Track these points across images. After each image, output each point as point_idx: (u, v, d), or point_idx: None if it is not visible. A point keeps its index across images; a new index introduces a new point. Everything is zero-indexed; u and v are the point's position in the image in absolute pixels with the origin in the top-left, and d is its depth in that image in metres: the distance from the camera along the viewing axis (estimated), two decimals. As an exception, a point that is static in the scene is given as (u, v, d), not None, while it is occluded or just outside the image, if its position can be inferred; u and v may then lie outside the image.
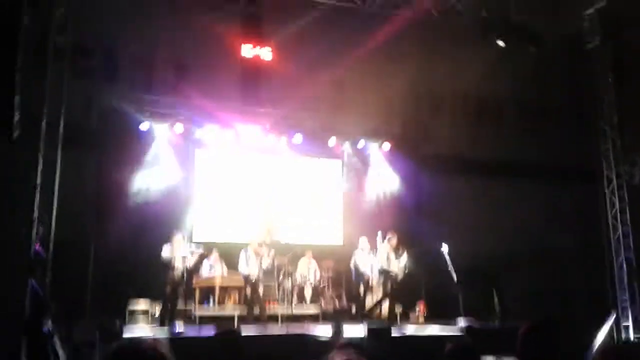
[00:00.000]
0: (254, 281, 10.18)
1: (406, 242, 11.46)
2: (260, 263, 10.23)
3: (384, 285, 10.72)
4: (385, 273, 10.55)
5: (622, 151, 11.70)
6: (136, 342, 1.61)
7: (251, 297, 10.18)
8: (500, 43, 10.68)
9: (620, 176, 11.66)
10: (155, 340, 1.68)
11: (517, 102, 14.21)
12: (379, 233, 10.87)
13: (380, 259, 10.60)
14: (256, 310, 10.07)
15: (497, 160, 13.34)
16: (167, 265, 9.43)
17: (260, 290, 10.34)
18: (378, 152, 12.97)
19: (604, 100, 11.86)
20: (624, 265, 11.43)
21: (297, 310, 10.63)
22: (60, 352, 7.31)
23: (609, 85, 11.83)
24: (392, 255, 10.61)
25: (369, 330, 7.70)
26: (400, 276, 10.57)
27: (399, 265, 10.59)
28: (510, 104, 14.23)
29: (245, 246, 10.51)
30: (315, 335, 8.48)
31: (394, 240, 10.60)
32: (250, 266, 10.19)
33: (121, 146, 10.60)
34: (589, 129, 12.35)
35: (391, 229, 11.16)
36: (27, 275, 7.67)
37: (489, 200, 12.86)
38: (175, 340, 7.75)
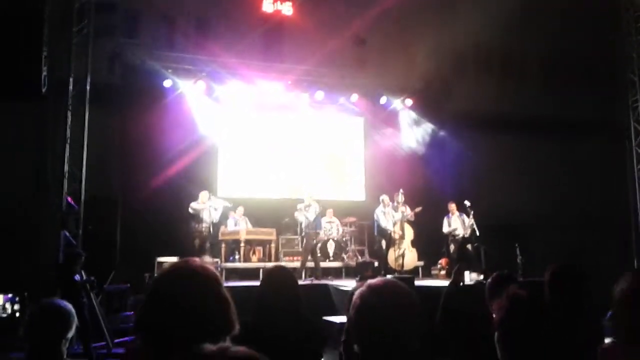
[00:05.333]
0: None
1: (428, 199, 11.58)
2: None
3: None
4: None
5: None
6: (187, 261, 1.65)
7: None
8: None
9: (647, 129, 11.47)
10: (202, 259, 1.74)
11: (542, 56, 13.93)
12: (400, 191, 10.88)
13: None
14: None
15: (522, 116, 13.14)
16: (194, 219, 9.64)
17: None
18: (400, 108, 12.90)
19: (633, 51, 11.57)
20: (649, 220, 11.35)
21: (321, 265, 10.81)
22: (93, 300, 7.59)
23: (639, 35, 11.51)
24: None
25: (393, 280, 7.83)
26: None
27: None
28: (535, 58, 13.95)
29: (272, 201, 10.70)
30: (339, 286, 8.68)
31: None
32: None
33: (145, 103, 10.67)
34: (617, 82, 12.09)
35: (412, 185, 11.26)
36: (60, 226, 7.95)
37: (514, 157, 12.76)
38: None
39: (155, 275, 1.99)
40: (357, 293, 1.83)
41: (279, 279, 2.99)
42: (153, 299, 1.53)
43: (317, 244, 10.54)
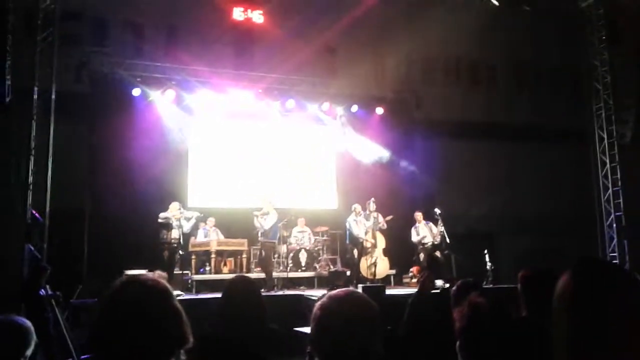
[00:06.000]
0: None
1: (400, 206, 11.66)
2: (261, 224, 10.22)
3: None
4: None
5: (614, 110, 11.74)
6: (137, 276, 1.66)
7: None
8: (494, 1, 10.64)
9: (611, 136, 11.73)
10: (154, 273, 1.73)
11: (509, 64, 14.18)
12: (372, 200, 10.89)
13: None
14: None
15: (490, 123, 13.35)
16: (164, 229, 9.49)
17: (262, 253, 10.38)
18: (371, 116, 12.97)
19: (596, 60, 11.87)
20: (614, 225, 11.58)
21: (293, 274, 10.77)
22: (59, 315, 7.42)
23: (602, 44, 11.82)
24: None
25: (364, 289, 7.85)
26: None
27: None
28: (502, 66, 14.19)
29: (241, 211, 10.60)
30: (311, 296, 8.63)
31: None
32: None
33: (114, 112, 10.53)
34: (582, 89, 12.38)
35: (384, 194, 11.31)
36: (24, 239, 7.75)
37: (483, 163, 12.94)
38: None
39: (106, 291, 1.98)
40: (317, 304, 1.81)
41: (241, 289, 2.95)
42: (103, 315, 1.51)
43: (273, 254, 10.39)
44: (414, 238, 10.90)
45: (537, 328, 3.01)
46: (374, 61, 12.90)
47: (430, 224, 10.76)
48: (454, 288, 3.51)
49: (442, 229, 10.42)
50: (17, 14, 9.04)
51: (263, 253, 10.13)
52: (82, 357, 7.14)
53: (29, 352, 2.64)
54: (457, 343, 1.95)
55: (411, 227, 10.99)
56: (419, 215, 10.92)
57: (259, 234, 10.14)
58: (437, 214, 10.47)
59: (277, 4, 11.70)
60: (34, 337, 2.68)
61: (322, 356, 1.73)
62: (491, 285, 9.89)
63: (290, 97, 12.05)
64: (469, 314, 1.91)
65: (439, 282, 9.45)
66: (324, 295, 1.88)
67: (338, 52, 12.95)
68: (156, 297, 1.53)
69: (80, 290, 8.99)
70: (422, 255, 10.78)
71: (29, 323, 2.70)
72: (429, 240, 10.73)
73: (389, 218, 10.87)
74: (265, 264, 10.08)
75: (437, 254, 10.58)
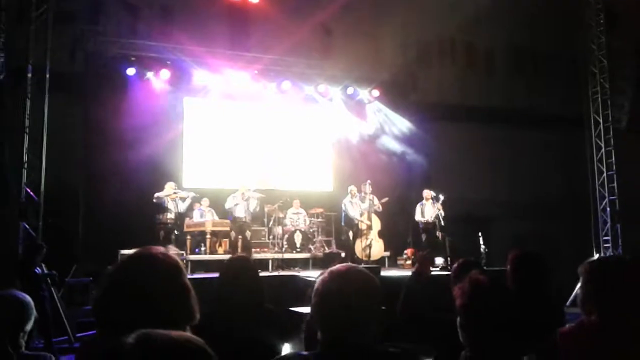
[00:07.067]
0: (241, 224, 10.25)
1: (395, 189, 11.67)
2: (247, 207, 10.29)
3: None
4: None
5: (610, 95, 11.74)
6: (147, 250, 1.62)
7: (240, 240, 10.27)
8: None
9: (607, 120, 11.74)
10: (167, 248, 1.70)
11: (506, 48, 14.13)
12: (367, 182, 10.90)
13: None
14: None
15: (486, 107, 13.34)
16: (159, 210, 9.49)
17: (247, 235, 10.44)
18: (367, 98, 12.94)
19: (593, 44, 11.84)
20: (608, 209, 11.65)
21: (288, 256, 10.80)
22: (54, 294, 7.43)
23: (600, 28, 11.78)
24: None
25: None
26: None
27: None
28: (499, 49, 14.14)
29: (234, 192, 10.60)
30: (306, 277, 8.68)
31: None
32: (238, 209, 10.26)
33: (108, 91, 10.45)
34: (578, 73, 12.36)
35: (379, 176, 11.31)
36: (19, 218, 7.73)
37: (478, 146, 12.94)
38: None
39: (116, 262, 1.98)
40: (319, 280, 1.82)
41: (240, 269, 2.93)
42: (111, 286, 1.50)
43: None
44: (418, 217, 10.81)
45: (524, 307, 3.05)
46: (370, 42, 12.81)
47: (437, 203, 10.67)
48: (454, 266, 3.54)
49: (439, 210, 10.40)
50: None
51: (248, 235, 10.19)
52: (78, 335, 7.19)
53: (28, 327, 2.64)
54: (458, 320, 1.96)
55: (411, 207, 10.88)
56: (427, 193, 10.77)
57: (241, 215, 10.15)
58: (432, 196, 10.46)
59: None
60: (34, 312, 2.68)
61: (324, 330, 1.74)
62: (485, 268, 9.91)
63: (286, 78, 11.99)
64: (469, 290, 1.92)
65: (439, 261, 9.51)
66: (324, 272, 1.88)
67: (334, 33, 12.84)
68: (166, 272, 1.51)
69: (75, 269, 9.00)
70: (423, 236, 10.68)
71: (28, 298, 2.70)
72: (430, 221, 10.65)
73: (384, 200, 10.87)
74: (249, 246, 10.16)
75: (438, 234, 10.55)
